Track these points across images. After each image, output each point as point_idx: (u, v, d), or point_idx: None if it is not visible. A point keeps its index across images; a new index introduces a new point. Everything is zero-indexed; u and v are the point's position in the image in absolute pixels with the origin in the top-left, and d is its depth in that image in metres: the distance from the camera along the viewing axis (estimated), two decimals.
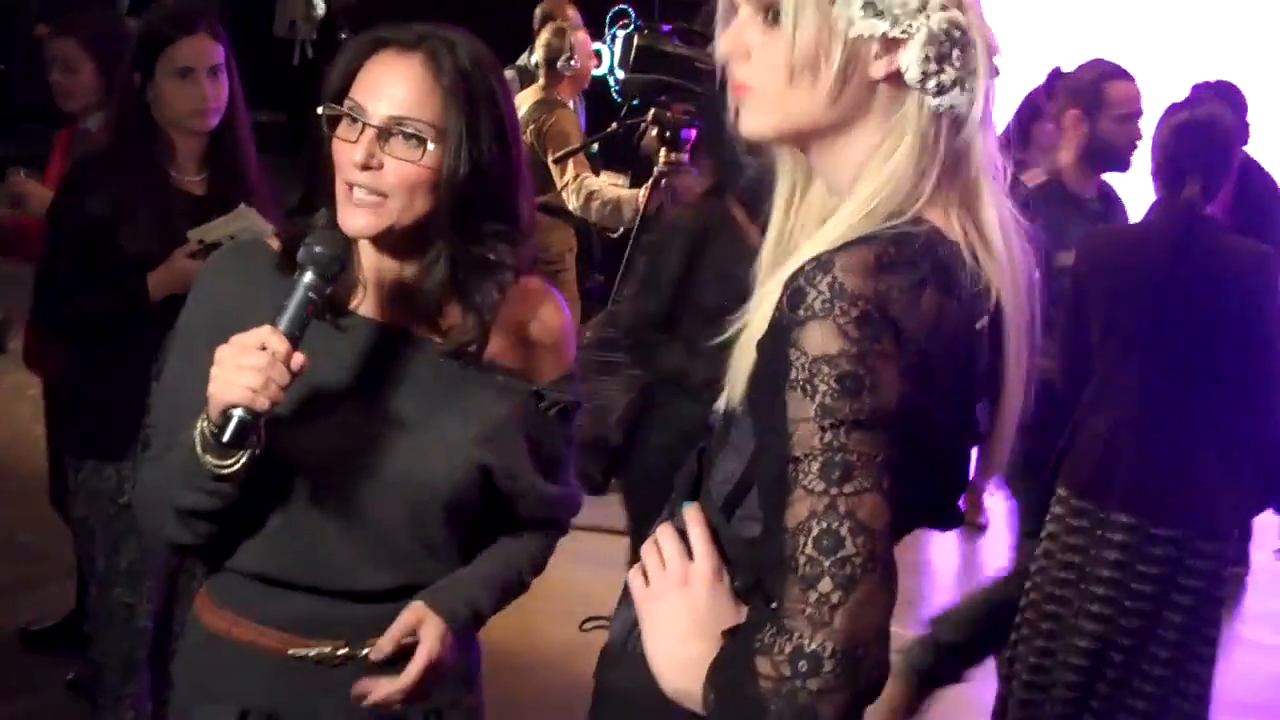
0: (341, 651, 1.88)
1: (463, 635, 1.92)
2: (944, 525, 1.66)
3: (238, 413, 1.67)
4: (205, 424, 1.70)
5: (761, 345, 1.39)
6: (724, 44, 1.47)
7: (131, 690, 3.20)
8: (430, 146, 1.78)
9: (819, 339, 1.32)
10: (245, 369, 1.65)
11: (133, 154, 3.03)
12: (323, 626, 1.88)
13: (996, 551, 6.22)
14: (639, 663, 1.49)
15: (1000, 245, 1.47)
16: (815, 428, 1.30)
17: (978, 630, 4.04)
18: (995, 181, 1.49)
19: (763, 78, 1.46)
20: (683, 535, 1.52)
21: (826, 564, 1.28)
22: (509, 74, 6.46)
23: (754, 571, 1.46)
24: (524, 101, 6.08)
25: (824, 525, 1.29)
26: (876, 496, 1.30)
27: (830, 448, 1.30)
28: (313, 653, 1.87)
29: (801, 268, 1.36)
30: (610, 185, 5.85)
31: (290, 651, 1.87)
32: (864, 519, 1.29)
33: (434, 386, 1.87)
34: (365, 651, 1.87)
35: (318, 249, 1.72)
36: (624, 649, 1.57)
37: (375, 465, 1.83)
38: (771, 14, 1.44)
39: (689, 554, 1.50)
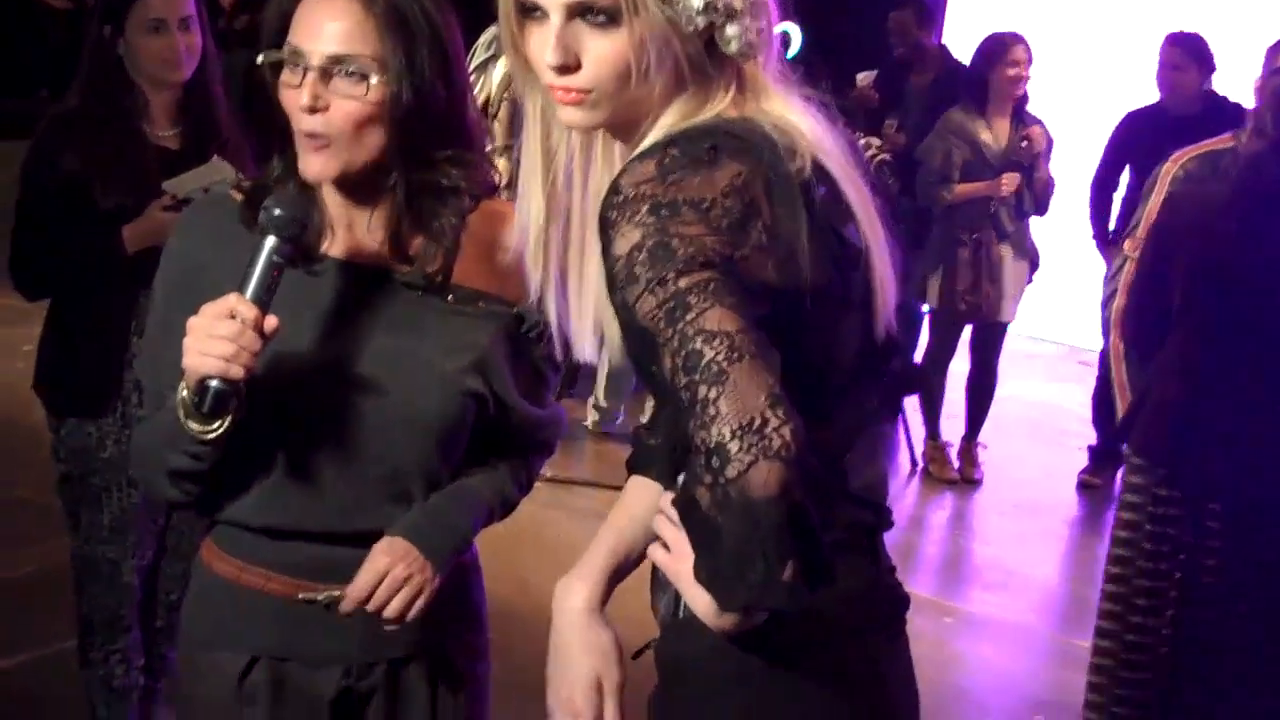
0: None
1: (437, 551, 1.90)
2: (899, 388, 1.70)
3: (213, 383, 1.68)
4: (185, 392, 1.71)
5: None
6: (553, 55, 1.49)
7: (120, 645, 3.21)
8: (373, 80, 1.78)
9: (622, 240, 1.41)
10: (216, 339, 1.66)
11: (105, 109, 3.00)
12: (330, 571, 1.89)
13: (990, 505, 6.25)
14: (690, 626, 1.52)
15: (799, 119, 1.53)
16: (649, 297, 1.38)
17: None
18: (783, 84, 1.57)
19: (601, 79, 1.50)
20: None
21: (697, 376, 1.34)
22: (490, 33, 6.40)
23: None
24: (504, 65, 6.02)
25: (684, 352, 1.35)
26: (718, 309, 1.36)
27: (664, 301, 1.37)
28: (321, 596, 1.88)
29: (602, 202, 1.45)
30: None
31: (300, 596, 1.89)
32: (712, 327, 1.35)
33: (415, 321, 1.88)
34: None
35: (276, 211, 1.72)
36: (675, 620, 1.60)
37: (367, 406, 1.84)
38: (604, 16, 1.47)
39: None
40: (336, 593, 1.88)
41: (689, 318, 1.35)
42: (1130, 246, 3.78)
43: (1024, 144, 5.91)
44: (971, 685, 4.51)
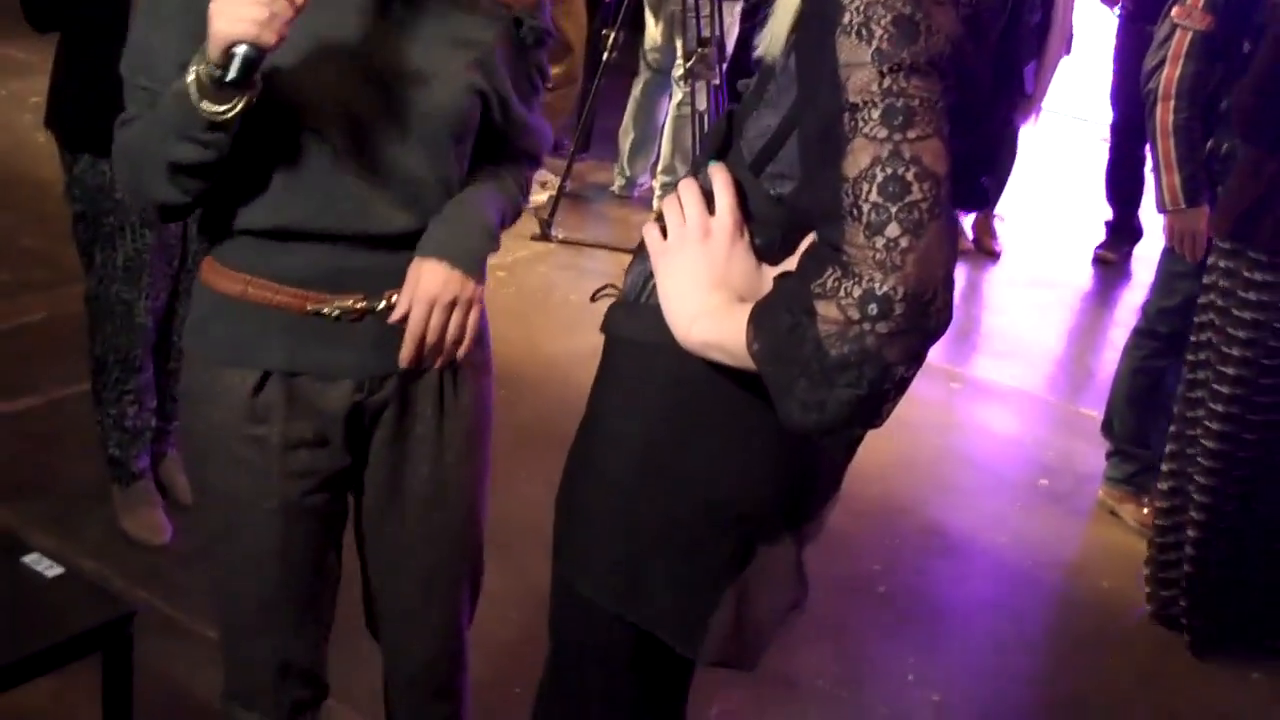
0: (360, 305, 1.87)
1: (474, 264, 1.90)
2: (968, 203, 1.66)
3: (242, 49, 1.61)
4: (202, 67, 1.65)
5: None
6: None
7: (133, 385, 3.24)
8: None
9: None
10: (249, 3, 1.60)
11: None
12: (340, 279, 1.85)
13: (1003, 276, 6.22)
14: (653, 314, 1.48)
15: None
16: (874, 73, 1.26)
17: None
18: None
19: None
20: (707, 195, 1.49)
21: (894, 209, 1.25)
22: None
23: (779, 228, 1.44)
24: None
25: (889, 171, 1.25)
26: (938, 142, 1.27)
27: (890, 93, 1.26)
28: (329, 309, 1.86)
29: None
30: None
31: (309, 308, 1.86)
32: (929, 164, 1.26)
33: (423, 17, 1.82)
34: (382, 305, 1.87)
35: None
36: (638, 301, 1.55)
37: (382, 102, 1.80)
38: None
39: (711, 211, 1.47)
40: (348, 302, 1.86)
41: (910, 135, 1.25)
42: (1180, 14, 3.61)
43: None
44: (976, 450, 4.55)
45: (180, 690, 2.81)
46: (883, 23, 1.25)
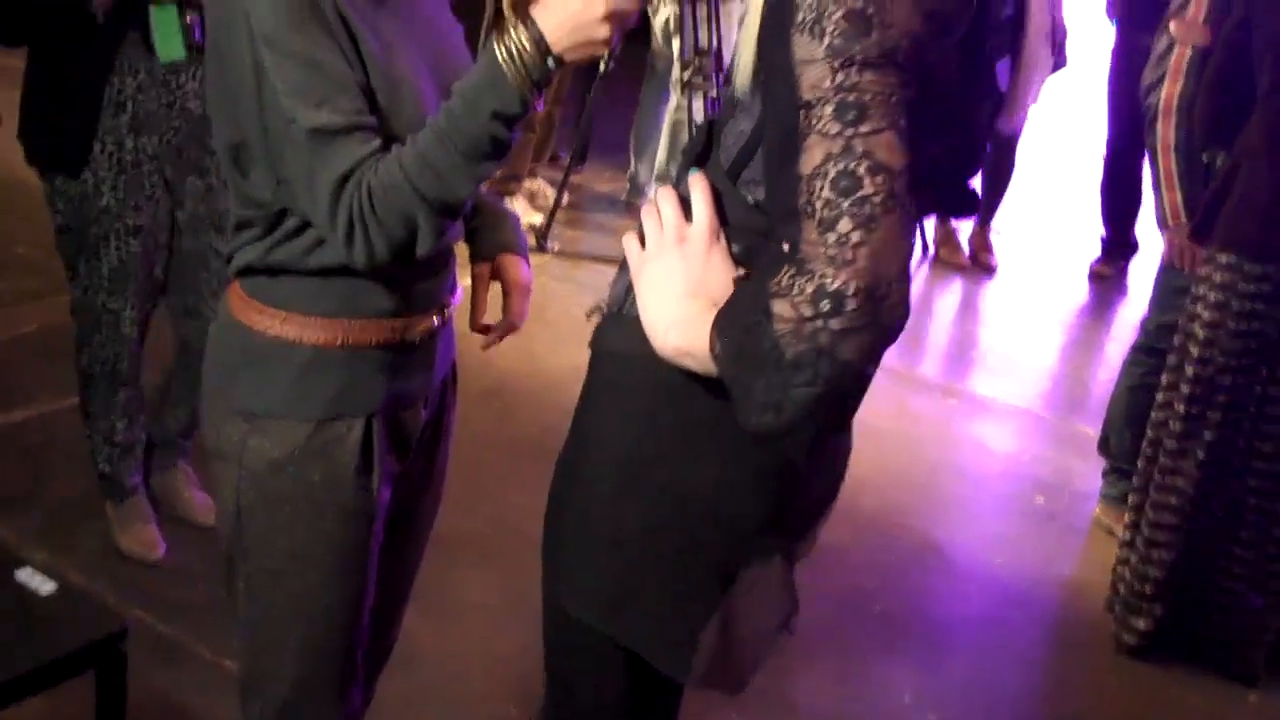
0: (437, 320, 1.86)
1: (526, 253, 2.00)
2: (956, 208, 1.65)
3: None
4: (522, 59, 1.56)
5: None
6: None
7: (120, 399, 3.19)
8: None
9: None
10: None
11: None
12: (426, 299, 1.84)
13: (999, 292, 6.21)
14: (634, 325, 1.47)
15: None
16: (826, 69, 1.26)
17: None
18: None
19: None
20: (685, 202, 1.47)
21: (845, 205, 1.24)
22: None
23: (758, 234, 1.42)
24: None
25: (840, 167, 1.25)
26: (892, 135, 1.26)
27: (842, 88, 1.25)
28: (420, 331, 1.83)
29: None
30: None
31: (405, 337, 1.81)
32: (882, 158, 1.25)
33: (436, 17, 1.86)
34: (448, 311, 1.90)
35: None
36: (620, 313, 1.54)
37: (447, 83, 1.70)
38: None
39: (688, 218, 1.46)
40: (433, 322, 1.85)
41: (862, 130, 1.24)
42: (1178, 29, 3.59)
43: None
44: (972, 467, 4.53)
45: (174, 709, 2.79)
46: (834, 18, 1.26)
